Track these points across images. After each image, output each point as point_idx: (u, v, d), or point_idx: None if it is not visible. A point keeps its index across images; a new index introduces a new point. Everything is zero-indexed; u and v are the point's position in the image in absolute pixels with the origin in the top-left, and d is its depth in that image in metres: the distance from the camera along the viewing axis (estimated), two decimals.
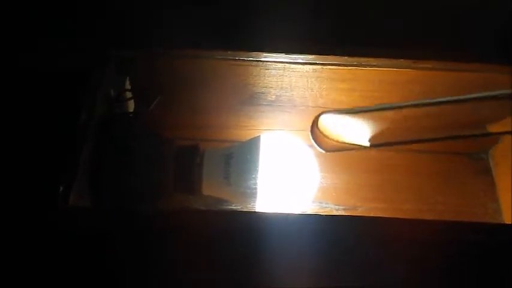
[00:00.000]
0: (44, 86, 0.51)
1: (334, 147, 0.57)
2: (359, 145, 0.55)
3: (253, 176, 0.55)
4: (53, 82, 0.51)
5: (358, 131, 0.55)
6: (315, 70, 0.59)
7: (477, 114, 0.55)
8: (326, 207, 0.60)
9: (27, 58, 0.53)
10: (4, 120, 0.50)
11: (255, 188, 0.55)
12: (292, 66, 0.58)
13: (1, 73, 0.52)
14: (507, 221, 0.62)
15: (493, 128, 0.57)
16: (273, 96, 0.63)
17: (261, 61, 0.58)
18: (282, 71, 0.59)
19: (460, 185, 0.67)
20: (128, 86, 0.59)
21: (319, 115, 0.57)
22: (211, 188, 0.56)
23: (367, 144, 0.55)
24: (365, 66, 0.56)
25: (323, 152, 0.57)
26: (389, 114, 0.56)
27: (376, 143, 0.55)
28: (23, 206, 0.46)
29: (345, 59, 0.56)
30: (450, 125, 0.56)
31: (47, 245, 0.44)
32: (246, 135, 0.62)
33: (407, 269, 0.44)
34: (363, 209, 0.63)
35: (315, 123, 0.57)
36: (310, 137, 0.58)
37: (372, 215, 0.63)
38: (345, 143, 0.56)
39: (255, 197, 0.55)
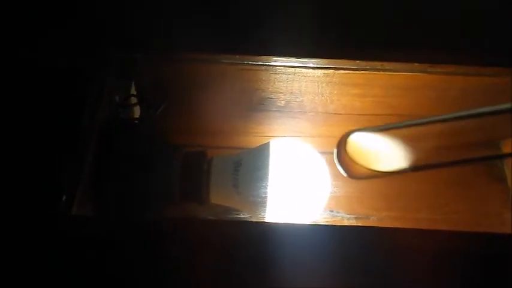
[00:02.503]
0: (47, 90, 0.51)
1: (365, 175, 0.50)
2: (397, 171, 0.49)
3: (263, 184, 0.54)
4: (56, 86, 0.51)
5: (390, 153, 0.50)
6: (326, 75, 0.58)
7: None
8: (338, 216, 0.59)
9: (28, 59, 0.52)
10: (5, 127, 0.49)
11: (265, 197, 0.54)
12: (303, 70, 0.58)
13: (2, 76, 0.51)
14: None
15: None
16: (283, 102, 0.62)
17: (270, 65, 0.57)
18: (291, 75, 0.58)
19: (475, 193, 0.65)
20: (133, 91, 0.59)
21: (346, 136, 0.50)
22: (219, 197, 0.55)
23: (406, 168, 0.48)
24: (379, 70, 0.55)
25: (350, 178, 0.50)
26: (423, 129, 0.50)
27: (415, 165, 0.48)
28: (25, 215, 0.45)
29: (357, 63, 0.55)
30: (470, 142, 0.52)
31: (49, 254, 0.44)
32: (255, 141, 0.61)
33: (421, 280, 0.43)
34: (376, 218, 0.62)
35: (342, 146, 0.49)
36: (336, 162, 0.51)
37: (384, 224, 0.61)
38: (380, 171, 0.49)
39: (265, 206, 0.54)
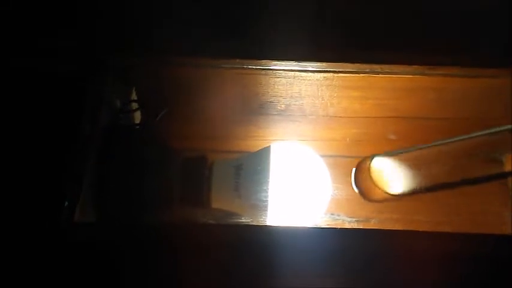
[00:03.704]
0: (49, 97, 0.51)
1: (384, 198, 0.54)
2: (414, 192, 0.53)
3: (264, 187, 0.54)
4: (58, 92, 0.51)
5: (406, 176, 0.53)
6: (325, 78, 0.58)
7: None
8: (338, 219, 0.59)
9: (29, 65, 0.52)
10: (8, 133, 0.49)
11: (266, 200, 0.54)
12: (302, 74, 0.58)
13: (4, 82, 0.52)
14: None
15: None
16: (283, 106, 0.62)
17: (270, 69, 0.57)
18: (291, 79, 0.58)
19: (475, 194, 0.65)
20: (134, 96, 0.59)
21: (365, 161, 0.54)
22: (220, 201, 0.55)
23: (422, 190, 0.53)
24: (378, 73, 0.55)
25: (369, 201, 0.56)
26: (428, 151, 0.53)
27: (429, 185, 0.52)
28: (28, 221, 0.45)
29: (357, 66, 0.55)
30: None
31: (52, 260, 0.44)
32: (255, 145, 0.61)
33: (422, 282, 0.44)
34: (377, 221, 0.62)
35: (363, 171, 0.54)
36: (354, 186, 0.56)
37: (385, 226, 0.61)
38: (401, 193, 0.54)
39: (266, 210, 0.54)
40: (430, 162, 0.53)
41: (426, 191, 0.53)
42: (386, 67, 0.55)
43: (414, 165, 0.53)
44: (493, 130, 0.50)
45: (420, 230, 0.51)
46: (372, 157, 0.54)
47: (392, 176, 0.54)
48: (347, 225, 0.59)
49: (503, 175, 0.54)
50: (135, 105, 0.58)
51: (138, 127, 0.59)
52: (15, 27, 0.53)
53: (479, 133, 0.50)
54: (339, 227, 0.59)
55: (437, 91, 0.58)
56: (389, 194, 0.53)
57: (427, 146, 0.52)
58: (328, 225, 0.58)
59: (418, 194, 0.53)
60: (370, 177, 0.54)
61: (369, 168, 0.54)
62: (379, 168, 0.54)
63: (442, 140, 0.52)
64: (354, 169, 0.56)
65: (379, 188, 0.53)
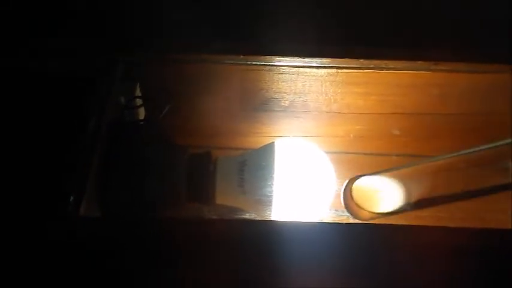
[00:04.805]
0: (53, 93, 0.51)
1: (371, 217, 0.55)
2: (401, 211, 0.54)
3: (268, 183, 0.54)
4: (62, 88, 0.51)
5: (394, 193, 0.54)
6: (329, 74, 0.58)
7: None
8: (343, 215, 0.59)
9: (32, 61, 0.53)
10: (11, 128, 0.50)
11: (270, 196, 0.54)
12: (306, 70, 0.58)
13: (8, 78, 0.52)
14: None
15: None
16: (287, 102, 0.62)
17: (274, 65, 0.57)
18: (295, 75, 0.59)
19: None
20: (138, 92, 0.59)
21: (349, 184, 0.55)
22: (224, 197, 0.55)
23: (409, 208, 0.54)
24: (382, 69, 0.55)
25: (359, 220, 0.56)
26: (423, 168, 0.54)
27: (418, 202, 0.53)
28: (32, 217, 0.45)
29: (360, 62, 0.55)
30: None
31: (57, 255, 0.44)
32: (259, 142, 0.61)
33: (428, 276, 0.43)
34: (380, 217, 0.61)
35: (348, 193, 0.55)
36: (344, 206, 0.56)
37: (389, 222, 0.61)
38: (388, 213, 0.54)
39: (270, 205, 0.54)
40: (420, 178, 0.54)
41: (415, 207, 0.54)
42: (390, 63, 0.55)
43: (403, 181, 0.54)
44: (494, 144, 0.50)
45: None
46: (353, 179, 0.56)
47: (379, 194, 0.55)
48: (351, 221, 0.59)
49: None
50: (139, 102, 0.58)
51: (142, 123, 0.59)
52: (17, 28, 0.54)
53: (479, 148, 0.51)
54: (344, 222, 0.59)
55: (441, 87, 0.58)
56: (376, 213, 0.55)
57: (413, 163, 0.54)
58: (332, 220, 0.58)
59: (406, 211, 0.54)
60: (353, 198, 0.55)
61: (351, 190, 0.55)
62: (362, 189, 0.55)
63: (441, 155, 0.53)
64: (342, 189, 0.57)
65: (363, 209, 0.55)
